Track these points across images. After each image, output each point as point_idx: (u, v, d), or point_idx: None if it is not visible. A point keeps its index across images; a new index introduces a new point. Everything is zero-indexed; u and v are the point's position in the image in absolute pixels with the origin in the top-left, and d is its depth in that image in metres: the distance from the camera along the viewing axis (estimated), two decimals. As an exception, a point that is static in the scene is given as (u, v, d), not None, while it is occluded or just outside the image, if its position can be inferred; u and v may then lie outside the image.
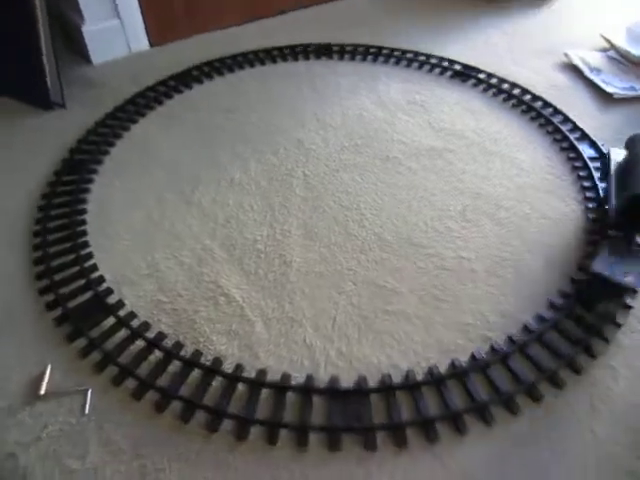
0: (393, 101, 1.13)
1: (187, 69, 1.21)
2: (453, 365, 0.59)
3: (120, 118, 1.05)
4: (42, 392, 0.59)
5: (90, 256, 0.77)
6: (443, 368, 0.60)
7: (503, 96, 1.13)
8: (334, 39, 1.32)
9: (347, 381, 0.60)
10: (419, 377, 0.59)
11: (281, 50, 1.30)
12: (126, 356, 0.63)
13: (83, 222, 0.83)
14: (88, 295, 0.70)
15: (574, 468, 0.52)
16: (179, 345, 0.64)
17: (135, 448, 0.54)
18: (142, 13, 1.26)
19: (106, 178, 0.93)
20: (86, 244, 0.79)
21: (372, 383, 0.59)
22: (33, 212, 0.85)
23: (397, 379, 0.59)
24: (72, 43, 1.28)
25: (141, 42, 1.30)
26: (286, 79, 1.21)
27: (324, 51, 1.30)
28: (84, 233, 0.81)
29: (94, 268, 0.75)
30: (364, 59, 1.28)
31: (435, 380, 0.58)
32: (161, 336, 0.65)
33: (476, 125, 1.05)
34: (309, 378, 0.60)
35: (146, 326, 0.67)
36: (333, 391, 0.58)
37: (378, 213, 0.85)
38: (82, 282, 0.72)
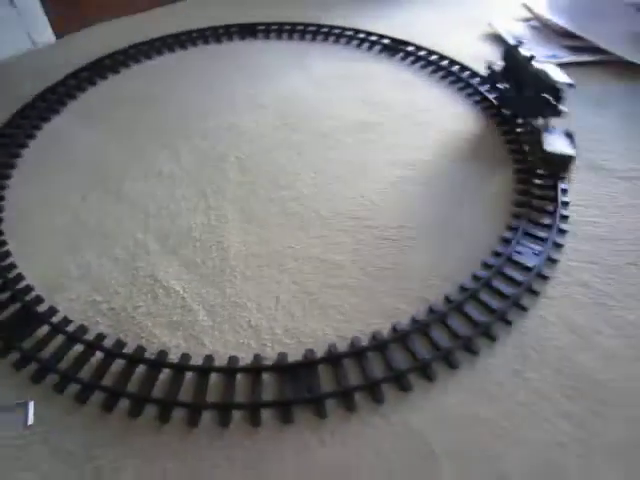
0: (323, 77, 1.18)
1: (99, 58, 1.20)
2: (394, 329, 0.66)
3: (29, 117, 1.04)
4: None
5: (13, 266, 0.77)
6: (386, 333, 0.66)
7: (432, 68, 1.21)
8: (257, 18, 1.36)
9: (295, 357, 0.65)
10: (364, 343, 0.65)
11: (202, 32, 1.31)
12: (65, 362, 0.65)
13: None
14: (16, 307, 0.71)
15: (507, 410, 0.59)
16: (120, 344, 0.66)
17: (87, 450, 0.56)
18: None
19: (22, 182, 0.92)
20: (7, 254, 0.79)
21: (319, 354, 0.64)
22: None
23: (343, 348, 0.65)
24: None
25: (44, 33, 1.27)
26: (211, 62, 1.23)
27: (249, 31, 1.33)
28: (3, 243, 0.80)
29: (19, 278, 0.75)
30: (291, 37, 1.32)
31: (379, 344, 0.64)
32: (100, 337, 0.67)
33: (406, 97, 1.13)
34: (257, 357, 0.64)
35: (83, 330, 0.68)
36: (281, 367, 0.63)
37: (315, 190, 0.90)
38: (7, 294, 0.72)
